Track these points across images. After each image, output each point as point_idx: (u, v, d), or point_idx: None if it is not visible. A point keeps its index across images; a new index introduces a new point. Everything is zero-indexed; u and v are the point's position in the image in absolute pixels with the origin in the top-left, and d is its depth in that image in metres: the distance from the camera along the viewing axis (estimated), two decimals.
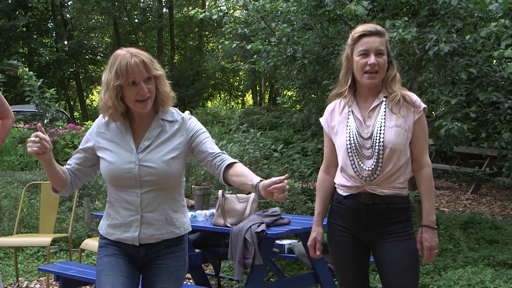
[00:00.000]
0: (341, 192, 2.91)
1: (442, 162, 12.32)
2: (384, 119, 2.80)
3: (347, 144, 2.84)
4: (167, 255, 2.71)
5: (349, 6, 5.49)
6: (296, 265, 5.54)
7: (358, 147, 2.81)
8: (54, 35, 27.20)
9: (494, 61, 6.02)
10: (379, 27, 2.86)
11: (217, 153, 2.66)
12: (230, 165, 2.61)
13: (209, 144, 2.69)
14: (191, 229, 2.83)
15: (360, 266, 2.94)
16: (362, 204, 2.82)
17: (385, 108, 2.82)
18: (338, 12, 6.00)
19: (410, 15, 6.18)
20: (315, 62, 6.80)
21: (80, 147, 2.78)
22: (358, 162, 2.81)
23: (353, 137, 2.83)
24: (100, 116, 2.74)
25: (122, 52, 2.59)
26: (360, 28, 2.86)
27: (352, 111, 2.88)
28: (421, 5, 5.90)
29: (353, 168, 2.83)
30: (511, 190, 10.34)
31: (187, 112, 2.84)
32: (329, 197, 3.02)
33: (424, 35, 5.55)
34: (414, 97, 2.85)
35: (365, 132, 2.82)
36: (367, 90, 2.87)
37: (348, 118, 2.89)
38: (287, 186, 2.37)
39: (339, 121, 2.92)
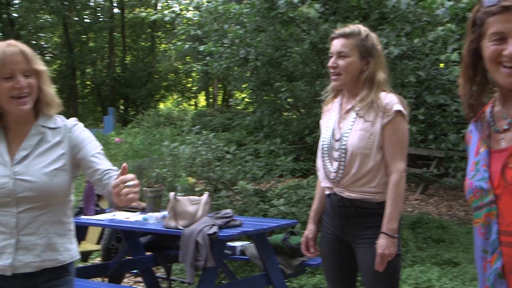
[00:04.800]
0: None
1: None
2: (353, 122, 2.78)
3: (322, 145, 2.86)
4: None
5: (301, 8, 5.54)
6: (248, 267, 5.54)
7: (330, 148, 2.82)
8: (1, 34, 26.52)
9: (442, 64, 6.18)
10: (349, 28, 2.82)
11: (105, 170, 2.22)
12: None
13: (97, 159, 2.26)
14: (78, 257, 2.39)
15: (341, 264, 2.92)
16: (335, 205, 2.82)
17: (356, 111, 2.79)
18: (291, 15, 6.04)
19: (361, 18, 6.27)
20: (268, 64, 6.84)
21: None
22: (327, 163, 2.82)
23: (328, 138, 2.84)
24: None
25: None
26: (336, 30, 2.87)
27: (334, 113, 2.90)
28: (371, 8, 6.00)
29: (324, 169, 2.84)
30: (457, 191, 10.60)
31: (73, 118, 2.40)
32: (325, 196, 2.98)
33: None
34: (387, 100, 2.75)
35: (337, 134, 2.82)
36: (347, 91, 2.87)
37: (330, 119, 2.90)
38: (133, 182, 1.96)
39: (326, 120, 2.94)
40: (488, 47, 1.68)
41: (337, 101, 2.92)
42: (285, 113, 8.28)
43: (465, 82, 1.81)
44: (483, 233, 1.76)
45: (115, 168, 2.25)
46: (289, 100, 7.27)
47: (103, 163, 2.25)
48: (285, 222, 4.69)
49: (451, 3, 5.29)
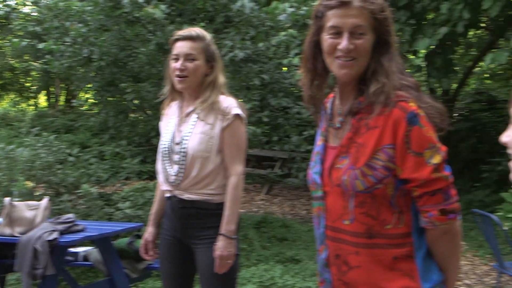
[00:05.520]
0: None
1: None
2: (194, 125, 2.77)
3: (162, 149, 2.82)
4: None
5: (146, 9, 5.46)
6: (92, 273, 5.36)
7: (170, 152, 2.79)
8: None
9: (285, 68, 6.41)
10: (195, 32, 2.82)
11: None
12: None
13: None
14: None
15: (180, 266, 2.89)
16: (175, 207, 2.80)
17: (197, 114, 2.79)
18: (136, 15, 5.94)
19: (207, 21, 6.32)
20: (112, 64, 6.66)
21: None
22: (168, 167, 2.79)
23: (168, 141, 2.81)
24: None
25: None
26: (178, 32, 2.84)
27: (174, 116, 2.86)
28: (217, 11, 6.07)
29: (164, 173, 2.81)
30: (300, 190, 11.06)
31: None
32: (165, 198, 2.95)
33: (220, 41, 5.71)
34: (226, 104, 2.78)
35: (177, 137, 2.80)
36: (188, 94, 2.84)
37: (169, 122, 2.87)
38: None
39: (166, 123, 2.91)
40: (326, 40, 1.73)
41: (176, 103, 2.91)
42: (131, 115, 8.13)
43: (306, 73, 1.85)
44: (317, 223, 1.85)
45: None
46: (135, 101, 7.15)
47: None
48: (130, 225, 4.59)
49: (292, 9, 5.51)
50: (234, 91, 6.20)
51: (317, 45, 1.79)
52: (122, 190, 6.69)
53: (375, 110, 1.69)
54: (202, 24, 5.58)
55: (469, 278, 5.79)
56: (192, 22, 6.08)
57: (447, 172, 1.68)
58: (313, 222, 1.90)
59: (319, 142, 1.89)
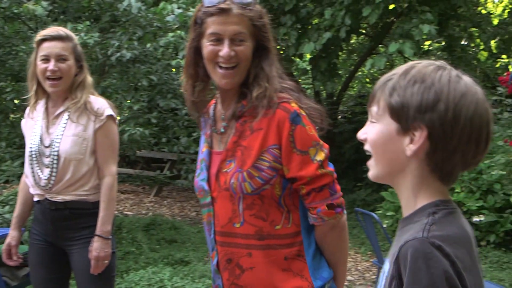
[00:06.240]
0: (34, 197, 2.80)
1: (127, 167, 12.56)
2: (65, 127, 2.71)
3: (30, 152, 2.74)
4: None
5: (26, 5, 5.24)
6: None
7: (39, 155, 2.71)
8: None
9: (173, 69, 6.37)
10: (63, 31, 2.75)
11: None
12: None
13: None
14: None
15: (54, 271, 2.82)
16: (47, 210, 2.72)
17: (68, 115, 2.73)
18: (15, 11, 5.67)
19: (92, 20, 6.16)
20: None
21: None
22: (37, 170, 2.71)
23: (36, 144, 2.72)
24: None
25: None
26: (43, 32, 2.74)
27: (40, 118, 2.76)
28: (103, 10, 5.93)
29: (33, 177, 2.73)
30: (189, 192, 11.03)
31: None
32: (29, 200, 2.85)
33: (106, 40, 5.59)
34: (98, 104, 2.76)
35: (46, 140, 2.72)
36: (56, 95, 2.76)
37: (36, 125, 2.77)
38: None
39: (30, 126, 2.81)
40: (206, 47, 1.75)
41: (40, 105, 2.82)
42: (12, 115, 7.76)
43: (187, 79, 1.86)
44: (208, 230, 1.87)
45: None
46: (16, 101, 6.83)
47: None
48: (9, 230, 4.38)
49: (180, 11, 5.50)
50: (122, 92, 6.10)
51: (197, 51, 1.80)
52: (2, 194, 6.37)
53: (259, 113, 1.72)
54: (88, 23, 5.44)
55: (352, 275, 6.04)
56: (77, 21, 5.91)
57: (331, 168, 1.76)
58: (205, 229, 1.91)
59: (203, 149, 1.90)
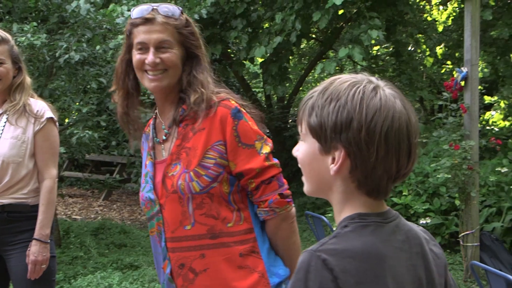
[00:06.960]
0: None
1: (75, 170, 12.36)
2: (3, 130, 2.67)
3: None
4: None
5: None
6: None
7: None
8: None
9: None
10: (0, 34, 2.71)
11: None
12: None
13: None
14: None
15: None
16: None
17: (6, 118, 2.68)
18: None
19: (40, 21, 6.04)
20: None
21: None
22: None
23: None
24: None
25: None
26: None
27: None
28: (50, 11, 5.82)
29: None
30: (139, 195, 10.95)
31: None
32: None
33: (54, 42, 5.49)
34: (37, 107, 2.73)
35: None
36: None
37: None
38: None
39: None
40: (135, 56, 1.82)
41: None
42: None
43: (118, 90, 1.92)
44: (158, 242, 1.86)
45: None
46: None
47: None
48: None
49: (130, 13, 5.44)
50: (70, 94, 6.00)
51: (129, 62, 1.87)
52: None
53: (200, 116, 1.77)
54: (35, 24, 5.33)
55: None
56: (23, 21, 5.78)
57: (276, 160, 1.81)
58: (154, 242, 1.89)
59: (146, 162, 1.92)
